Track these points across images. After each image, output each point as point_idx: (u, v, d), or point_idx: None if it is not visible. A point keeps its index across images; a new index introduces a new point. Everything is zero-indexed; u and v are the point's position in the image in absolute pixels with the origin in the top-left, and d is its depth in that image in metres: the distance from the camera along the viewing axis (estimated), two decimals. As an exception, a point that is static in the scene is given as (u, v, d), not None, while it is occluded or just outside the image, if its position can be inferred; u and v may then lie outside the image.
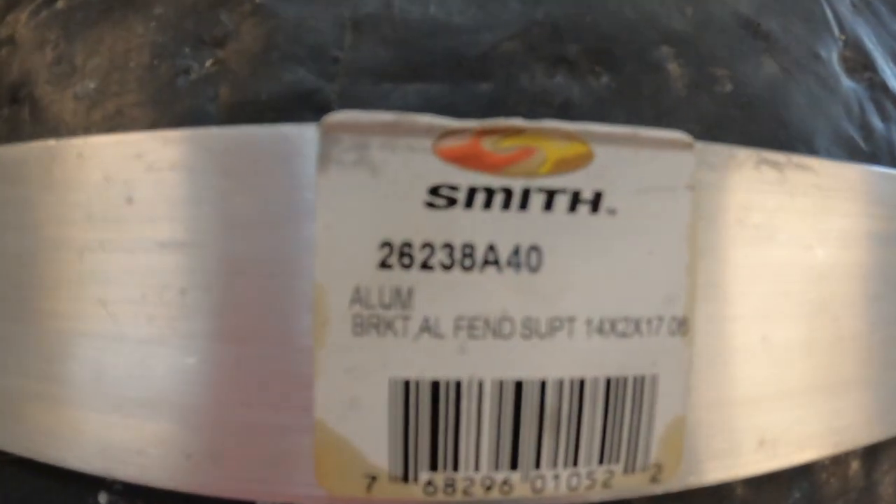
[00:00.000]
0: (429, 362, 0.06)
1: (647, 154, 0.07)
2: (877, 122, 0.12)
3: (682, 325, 0.07)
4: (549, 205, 0.06)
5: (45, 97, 0.11)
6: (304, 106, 0.09)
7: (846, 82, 0.12)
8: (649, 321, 0.07)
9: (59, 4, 0.11)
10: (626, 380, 0.07)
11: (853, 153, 0.11)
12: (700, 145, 0.07)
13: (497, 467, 0.07)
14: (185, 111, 0.10)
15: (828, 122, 0.11)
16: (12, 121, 0.11)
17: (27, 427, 0.09)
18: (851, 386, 0.09)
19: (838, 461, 0.11)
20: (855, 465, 0.11)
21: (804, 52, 0.12)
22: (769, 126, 0.10)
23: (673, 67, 0.10)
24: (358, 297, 0.06)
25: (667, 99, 0.09)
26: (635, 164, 0.07)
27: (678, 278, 0.07)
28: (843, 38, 0.13)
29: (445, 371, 0.06)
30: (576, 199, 0.06)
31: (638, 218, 0.06)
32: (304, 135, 0.06)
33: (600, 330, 0.07)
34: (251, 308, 0.07)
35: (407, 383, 0.06)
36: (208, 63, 0.10)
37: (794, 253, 0.08)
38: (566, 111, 0.08)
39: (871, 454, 0.11)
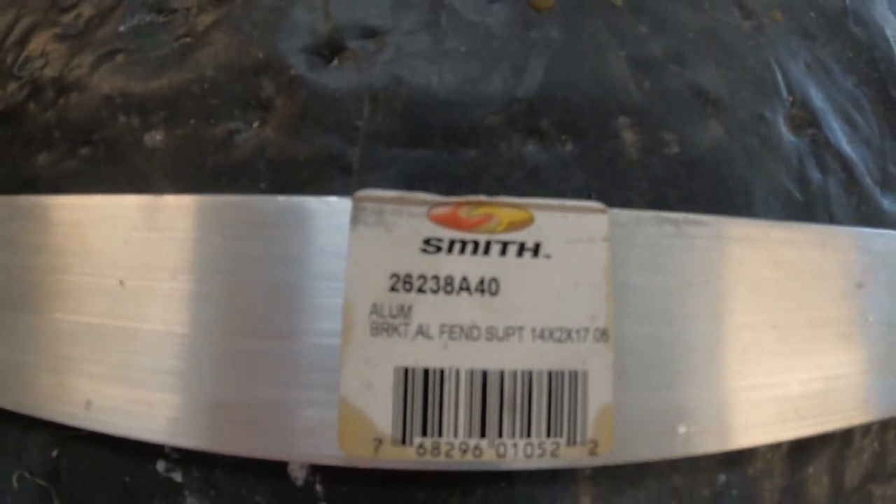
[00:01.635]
0: (421, 356, 0.09)
1: (573, 217, 0.09)
2: (815, 175, 0.14)
3: (604, 335, 0.10)
4: (503, 251, 0.09)
5: (118, 143, 0.14)
6: (332, 166, 0.12)
7: (789, 139, 0.15)
8: (578, 331, 0.10)
9: (119, 59, 0.14)
10: (562, 373, 0.10)
11: (788, 204, 0.14)
12: (613, 211, 0.10)
13: (470, 435, 0.09)
14: (240, 165, 0.13)
15: (766, 177, 0.13)
16: (90, 161, 0.14)
17: (89, 403, 0.12)
18: (763, 385, 0.11)
19: (765, 455, 0.13)
20: (780, 461, 0.13)
21: (749, 115, 0.14)
22: (710, 182, 0.13)
23: (628, 134, 0.12)
24: (374, 310, 0.09)
25: (622, 162, 0.12)
26: (564, 224, 0.09)
27: (600, 302, 0.10)
28: (790, 98, 0.15)
29: (433, 363, 0.09)
30: (522, 248, 0.09)
31: (568, 260, 0.09)
32: (341, 204, 0.09)
33: (542, 337, 0.10)
34: (294, 314, 0.10)
35: (406, 370, 0.09)
36: (255, 124, 0.13)
37: (688, 280, 0.10)
38: (536, 174, 0.11)
39: (798, 451, 0.13)
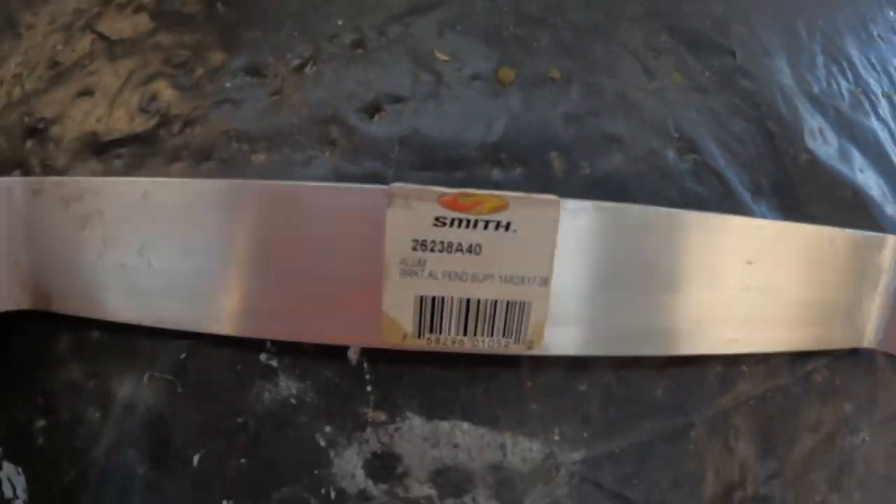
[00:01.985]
0: (430, 289, 0.16)
1: (536, 204, 0.16)
2: (693, 186, 0.22)
3: (545, 282, 0.17)
4: (486, 227, 0.16)
5: (232, 160, 0.21)
6: (376, 181, 0.20)
7: (674, 162, 0.22)
8: (529, 279, 0.17)
9: (227, 107, 0.22)
10: (516, 303, 0.17)
11: (670, 206, 0.21)
12: (563, 200, 0.17)
13: (458, 334, 0.16)
14: (317, 178, 0.20)
15: (652, 188, 0.21)
16: (211, 172, 0.21)
17: (204, 307, 0.19)
18: (658, 304, 0.18)
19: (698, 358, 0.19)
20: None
21: (643, 148, 0.21)
22: (611, 192, 0.20)
23: (557, 163, 0.20)
24: (402, 262, 0.16)
25: (552, 180, 0.19)
26: (529, 209, 0.16)
27: (546, 261, 0.17)
28: (677, 136, 0.22)
29: (437, 293, 0.16)
30: (498, 225, 0.16)
31: (528, 234, 0.16)
32: (383, 191, 0.17)
33: (506, 281, 0.17)
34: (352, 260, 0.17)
35: (421, 297, 0.16)
36: (326, 153, 0.21)
37: (613, 249, 0.17)
38: (498, 187, 0.18)
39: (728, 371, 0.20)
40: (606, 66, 0.22)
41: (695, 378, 0.19)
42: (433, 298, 0.16)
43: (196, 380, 0.20)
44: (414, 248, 0.16)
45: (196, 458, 0.17)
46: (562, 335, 0.17)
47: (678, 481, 0.18)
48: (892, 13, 0.37)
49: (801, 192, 0.24)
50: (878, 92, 0.32)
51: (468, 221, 0.16)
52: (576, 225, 0.17)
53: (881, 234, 0.23)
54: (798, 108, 0.27)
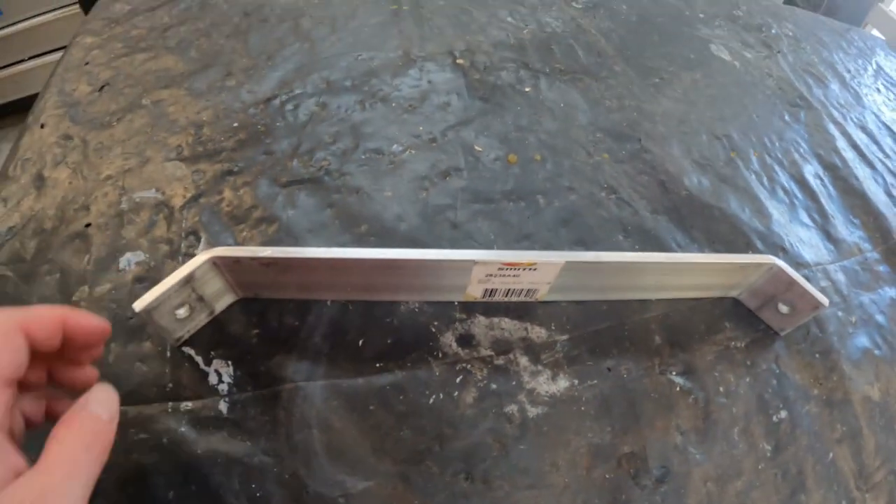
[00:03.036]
0: (492, 285, 0.35)
1: (547, 264, 0.35)
2: (616, 211, 0.40)
3: (549, 283, 0.35)
4: (524, 269, 0.34)
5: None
6: (449, 209, 0.38)
7: (606, 201, 0.40)
8: (542, 282, 0.35)
9: (365, 167, 0.41)
10: (533, 290, 0.34)
11: (606, 221, 0.39)
12: (563, 259, 0.35)
13: (503, 297, 0.34)
14: (420, 211, 0.39)
15: (592, 212, 0.39)
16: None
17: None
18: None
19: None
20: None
21: (587, 192, 0.40)
22: (570, 214, 0.38)
23: (542, 201, 0.38)
24: (479, 280, 0.35)
25: (539, 209, 0.38)
26: (543, 265, 0.34)
27: (552, 277, 0.35)
28: (606, 187, 0.41)
29: (495, 286, 0.34)
30: (529, 268, 0.34)
31: (544, 270, 0.34)
32: (472, 261, 0.35)
33: (531, 283, 0.35)
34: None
35: (486, 289, 0.34)
36: (423, 195, 0.40)
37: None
38: (512, 213, 0.37)
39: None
40: (565, 152, 0.42)
41: (622, 303, 0.36)
42: (492, 289, 0.33)
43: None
44: (486, 276, 0.32)
45: (360, 342, 0.33)
46: (553, 296, 0.34)
47: (621, 352, 0.34)
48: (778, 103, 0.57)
49: (683, 211, 0.42)
50: (751, 152, 0.51)
51: (516, 268, 0.32)
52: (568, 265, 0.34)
53: (750, 259, 0.38)
54: (682, 166, 0.46)
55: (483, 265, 0.30)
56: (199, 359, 0.30)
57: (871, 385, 0.41)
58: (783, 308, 0.38)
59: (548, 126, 0.44)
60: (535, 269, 0.31)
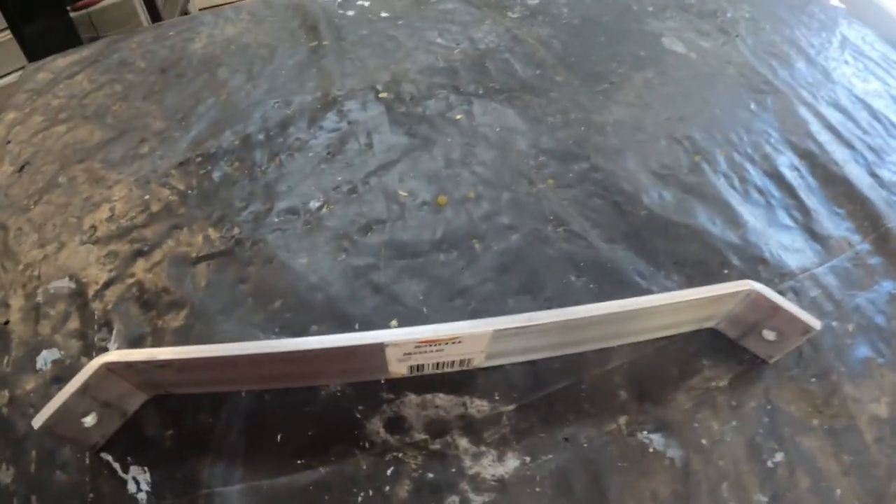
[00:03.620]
0: (416, 361, 0.30)
1: (472, 336, 0.30)
2: (565, 245, 0.35)
3: (483, 351, 0.30)
4: (446, 343, 0.30)
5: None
6: (373, 270, 0.34)
7: (553, 234, 0.36)
8: (474, 352, 0.30)
9: (278, 233, 0.37)
10: (465, 360, 0.30)
11: (550, 260, 0.34)
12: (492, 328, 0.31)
13: (433, 370, 0.30)
14: (340, 272, 0.35)
15: (539, 253, 0.35)
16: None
17: None
18: None
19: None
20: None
21: (530, 230, 0.35)
22: (512, 257, 0.34)
23: (478, 246, 0.34)
24: (399, 360, 0.30)
25: (475, 256, 0.33)
26: (469, 338, 0.30)
27: (485, 346, 0.30)
28: (552, 218, 0.37)
29: (420, 363, 0.30)
30: (453, 342, 0.30)
31: (471, 341, 0.29)
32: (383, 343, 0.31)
33: (460, 354, 0.30)
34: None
35: (410, 365, 0.30)
36: (342, 256, 0.36)
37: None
38: (444, 265, 0.33)
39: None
40: (503, 183, 0.38)
41: (578, 356, 0.31)
42: (418, 365, 0.28)
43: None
44: (404, 355, 0.28)
45: (279, 437, 0.29)
46: (493, 361, 0.30)
47: (580, 417, 0.29)
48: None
49: (644, 235, 0.38)
50: (717, 152, 0.47)
51: (436, 344, 0.27)
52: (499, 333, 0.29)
53: (724, 288, 0.31)
54: (639, 182, 0.41)
55: (396, 347, 0.26)
56: (116, 465, 0.28)
57: (876, 401, 0.36)
58: (769, 335, 0.33)
59: (483, 156, 0.40)
60: (459, 343, 0.26)
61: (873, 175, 0.50)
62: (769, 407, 0.33)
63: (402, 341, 0.25)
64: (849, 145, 0.52)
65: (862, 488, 0.32)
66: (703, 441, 0.31)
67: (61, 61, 0.56)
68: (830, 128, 0.53)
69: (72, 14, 1.33)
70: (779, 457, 0.31)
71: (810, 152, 0.49)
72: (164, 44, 0.57)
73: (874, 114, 0.57)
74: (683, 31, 0.60)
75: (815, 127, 0.52)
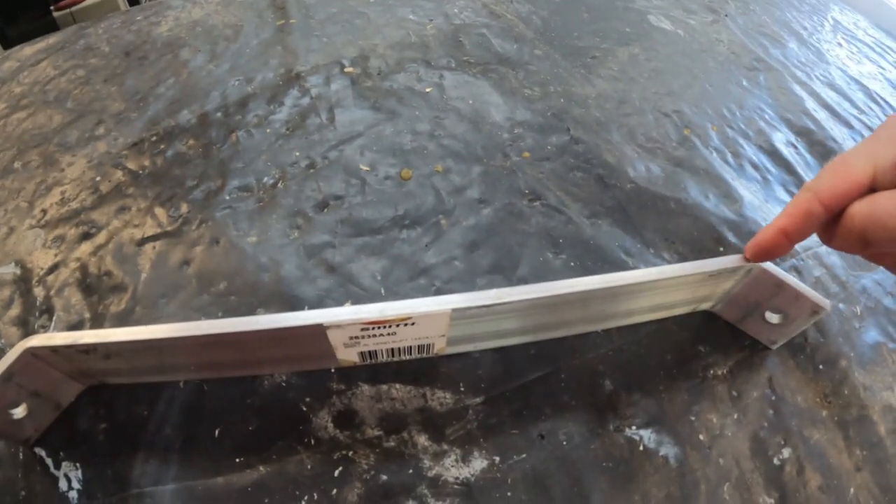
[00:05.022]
0: (367, 347, 0.26)
1: (428, 315, 0.27)
2: (542, 220, 0.32)
3: (442, 336, 0.27)
4: (398, 325, 0.26)
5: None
6: (329, 247, 0.31)
7: (527, 208, 0.32)
8: (433, 336, 0.27)
9: (228, 211, 0.34)
10: (425, 345, 0.26)
11: (524, 233, 0.31)
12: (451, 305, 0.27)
13: (387, 357, 0.26)
14: (293, 252, 0.31)
15: (512, 228, 0.31)
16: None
17: None
18: None
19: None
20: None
21: (503, 204, 0.32)
22: (483, 233, 0.30)
23: (444, 222, 0.30)
24: (345, 344, 0.26)
25: (442, 232, 0.30)
26: (425, 316, 0.26)
27: (443, 329, 0.27)
28: (527, 191, 0.33)
29: (372, 349, 0.26)
30: (406, 323, 0.26)
31: (427, 323, 0.25)
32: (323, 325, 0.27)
33: (416, 339, 0.27)
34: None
35: (361, 352, 0.26)
36: (295, 234, 0.32)
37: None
38: (405, 242, 0.29)
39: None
40: (474, 157, 0.34)
41: (556, 342, 0.27)
42: (369, 352, 0.24)
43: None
44: (350, 339, 0.24)
45: (217, 431, 0.25)
46: (457, 348, 0.26)
47: (558, 411, 0.25)
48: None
49: (630, 209, 0.34)
50: (708, 127, 0.44)
51: (385, 326, 0.22)
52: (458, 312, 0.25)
53: (723, 263, 0.27)
54: (624, 154, 0.38)
55: (338, 329, 0.22)
56: (49, 461, 0.25)
57: (889, 389, 0.32)
58: (772, 317, 0.29)
59: (453, 129, 0.36)
60: (413, 325, 0.23)
61: (874, 153, 0.47)
62: (773, 397, 0.29)
63: (344, 322, 0.22)
64: (847, 124, 0.49)
65: (877, 485, 0.28)
66: (701, 437, 0.27)
67: (28, 49, 0.54)
68: (826, 106, 0.50)
69: (55, 13, 1.30)
70: (786, 453, 0.28)
71: (807, 129, 0.46)
72: (130, 28, 0.54)
73: (870, 95, 0.54)
74: (670, 9, 0.57)
75: (811, 104, 0.50)
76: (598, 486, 0.24)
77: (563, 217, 0.33)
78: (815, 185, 0.21)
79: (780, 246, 0.24)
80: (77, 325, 0.30)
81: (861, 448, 0.29)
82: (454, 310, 0.22)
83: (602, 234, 0.33)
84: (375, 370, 0.26)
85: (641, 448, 0.25)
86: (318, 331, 0.22)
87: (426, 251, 0.30)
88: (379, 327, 0.22)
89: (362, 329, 0.22)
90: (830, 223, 0.22)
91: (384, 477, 0.23)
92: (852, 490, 0.28)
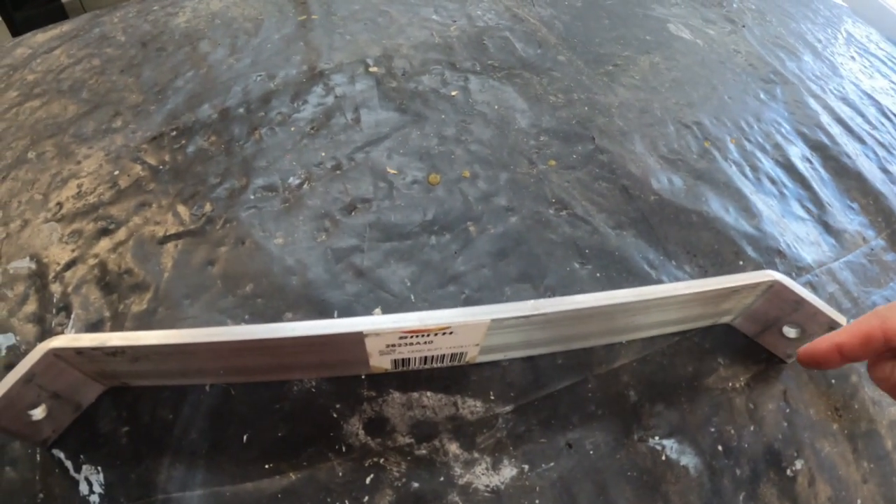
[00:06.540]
0: (400, 355, 0.27)
1: (467, 324, 0.27)
2: (568, 230, 0.32)
3: (476, 345, 0.27)
4: (436, 335, 0.26)
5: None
6: (357, 251, 0.31)
7: (554, 218, 0.33)
8: (467, 345, 0.27)
9: (253, 210, 0.34)
10: (457, 354, 0.27)
11: (551, 245, 0.31)
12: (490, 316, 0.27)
13: (420, 365, 0.26)
14: (320, 255, 0.31)
15: (539, 236, 0.31)
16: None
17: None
18: None
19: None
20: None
21: (530, 212, 0.32)
22: (512, 242, 0.31)
23: (472, 229, 0.31)
24: (381, 352, 0.26)
25: (470, 239, 0.30)
26: (463, 326, 0.27)
27: (479, 338, 0.27)
28: (553, 200, 0.33)
29: (405, 356, 0.27)
30: (444, 332, 0.26)
31: (464, 332, 0.25)
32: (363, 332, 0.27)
33: (450, 347, 0.27)
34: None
35: (394, 360, 0.27)
36: (322, 237, 0.32)
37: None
38: (434, 249, 0.29)
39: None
40: (501, 163, 0.34)
41: (583, 352, 0.28)
42: (403, 360, 0.25)
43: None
44: (387, 347, 0.24)
45: (245, 437, 0.25)
46: (488, 356, 0.26)
47: (585, 420, 0.26)
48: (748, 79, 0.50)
49: (654, 221, 0.35)
50: (727, 139, 0.44)
51: (424, 335, 0.22)
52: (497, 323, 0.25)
53: (745, 279, 0.28)
54: (647, 165, 0.38)
55: (377, 337, 0.22)
56: (68, 463, 0.24)
57: (897, 404, 0.33)
58: (790, 332, 0.30)
59: (479, 134, 0.36)
60: (451, 334, 0.23)
61: (884, 171, 0.48)
62: (788, 410, 0.30)
63: (384, 330, 0.22)
64: (860, 140, 0.50)
65: (882, 497, 0.29)
66: (720, 447, 0.27)
67: (41, 36, 0.53)
68: (840, 121, 0.51)
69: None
70: (799, 465, 0.29)
71: (822, 144, 0.47)
72: (146, 18, 0.53)
73: (882, 110, 0.55)
74: (689, 18, 0.57)
75: (826, 119, 0.50)
76: (623, 496, 0.25)
77: (589, 227, 0.33)
78: (885, 314, 0.21)
79: (832, 361, 0.24)
80: (97, 324, 0.29)
81: (868, 461, 0.30)
82: (493, 320, 0.22)
83: (627, 245, 0.33)
84: (405, 377, 0.26)
85: (664, 458, 0.26)
86: (357, 338, 0.22)
87: (455, 258, 0.30)
88: (417, 336, 0.23)
89: (401, 337, 0.23)
90: (884, 354, 0.22)
91: (416, 484, 0.24)
92: (859, 501, 0.29)
